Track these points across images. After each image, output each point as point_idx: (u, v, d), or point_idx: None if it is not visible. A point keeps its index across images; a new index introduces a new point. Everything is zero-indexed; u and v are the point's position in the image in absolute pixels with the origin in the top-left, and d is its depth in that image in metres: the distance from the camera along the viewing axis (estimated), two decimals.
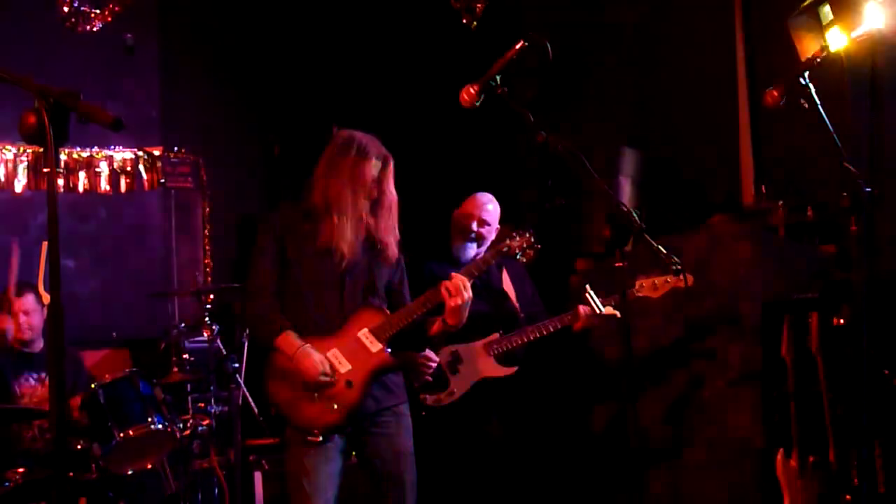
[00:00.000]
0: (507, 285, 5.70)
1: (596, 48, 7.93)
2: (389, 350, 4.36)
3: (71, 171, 7.89)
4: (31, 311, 5.91)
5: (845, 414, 5.15)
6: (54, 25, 7.37)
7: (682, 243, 5.89)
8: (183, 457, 5.99)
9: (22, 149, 7.65)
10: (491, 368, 5.36)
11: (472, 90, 3.79)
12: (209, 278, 8.02)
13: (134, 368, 5.73)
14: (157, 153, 8.21)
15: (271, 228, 4.43)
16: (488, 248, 4.75)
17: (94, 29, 7.35)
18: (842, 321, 5.20)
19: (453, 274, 4.36)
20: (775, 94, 3.90)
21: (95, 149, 7.98)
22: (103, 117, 2.61)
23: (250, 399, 6.13)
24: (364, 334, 4.33)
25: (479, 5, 7.62)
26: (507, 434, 5.41)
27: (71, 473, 5.31)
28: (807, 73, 3.85)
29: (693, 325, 6.02)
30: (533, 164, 7.74)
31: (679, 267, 3.52)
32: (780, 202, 6.51)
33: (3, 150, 7.61)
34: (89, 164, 7.98)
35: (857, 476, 5.12)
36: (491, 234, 5.53)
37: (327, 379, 4.23)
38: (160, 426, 5.51)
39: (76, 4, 7.24)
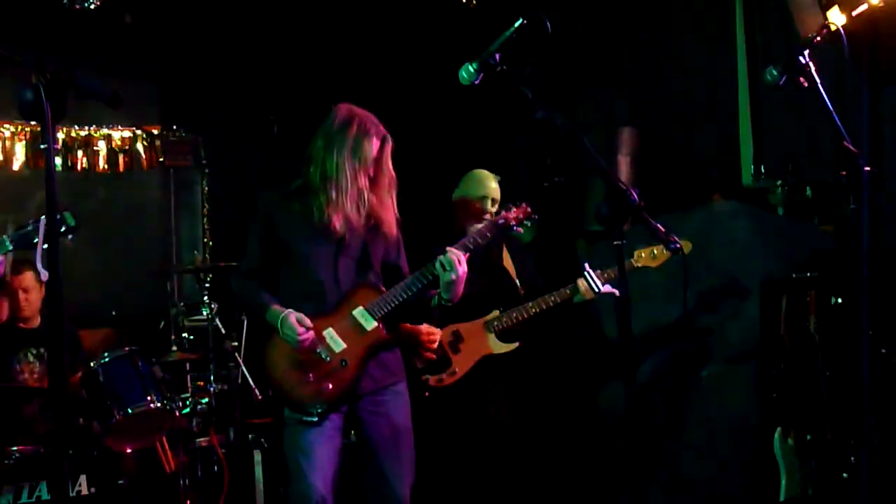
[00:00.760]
0: (508, 263, 5.70)
1: (594, 25, 7.90)
2: (385, 327, 4.35)
3: (69, 149, 7.88)
4: (29, 289, 5.93)
5: (843, 392, 5.16)
6: (53, 1, 7.34)
7: (680, 222, 5.90)
8: (182, 435, 6.00)
9: (20, 126, 7.64)
10: (492, 346, 5.36)
11: (470, 68, 3.77)
12: (208, 257, 8.02)
13: (133, 347, 5.72)
14: (155, 132, 8.20)
15: (259, 212, 4.44)
16: (485, 222, 4.73)
17: (93, 7, 7.32)
18: (840, 300, 5.21)
19: (448, 248, 4.35)
20: (775, 72, 3.89)
21: (93, 127, 7.97)
22: (101, 93, 2.61)
23: (249, 378, 6.14)
24: (359, 312, 4.33)
25: None
26: (511, 411, 5.42)
27: (71, 451, 5.31)
28: (807, 52, 3.84)
29: (692, 303, 6.03)
30: (531, 143, 7.73)
31: (678, 246, 3.51)
32: (779, 181, 6.50)
33: (1, 128, 7.59)
34: (87, 143, 7.97)
35: (854, 454, 5.14)
36: None
37: (309, 335, 4.21)
38: (159, 404, 5.52)
39: None
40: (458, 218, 5.61)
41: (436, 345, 5.04)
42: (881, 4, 5.24)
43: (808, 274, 5.56)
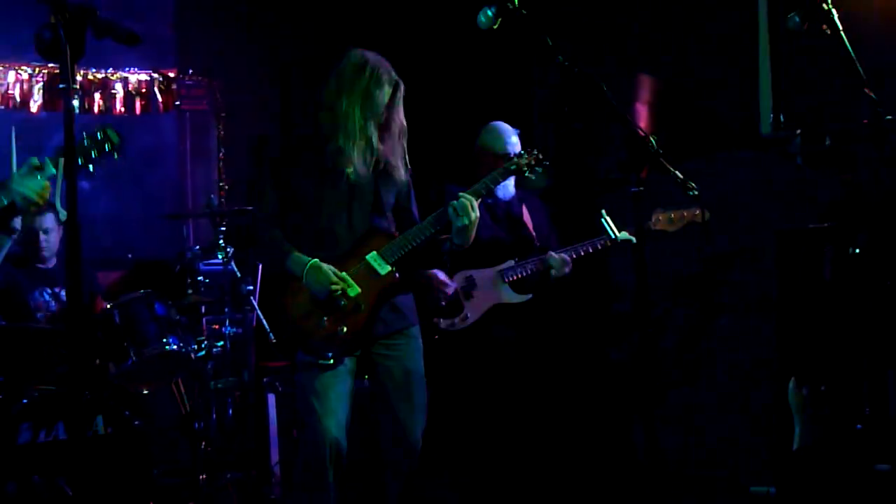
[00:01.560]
0: (526, 218, 5.68)
1: None
2: (398, 272, 4.36)
3: (86, 92, 7.86)
4: (50, 230, 5.95)
5: (858, 342, 5.15)
6: None
7: (699, 171, 5.87)
8: (198, 377, 6.03)
9: (37, 69, 7.63)
10: (505, 295, 5.36)
11: (489, 12, 3.75)
12: (224, 201, 8.02)
13: (149, 290, 5.74)
14: (171, 75, 8.18)
15: (270, 160, 4.44)
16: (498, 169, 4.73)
17: None
18: (857, 250, 5.19)
19: (460, 194, 4.34)
20: (797, 19, 3.85)
21: (111, 70, 7.95)
22: (119, 31, 2.60)
23: (264, 321, 6.15)
24: (373, 257, 4.33)
25: None
26: (522, 359, 5.43)
27: (87, 392, 5.34)
28: None
29: (709, 253, 6.02)
30: (549, 90, 7.68)
31: (696, 191, 3.50)
32: (799, 130, 6.46)
33: (19, 70, 7.58)
34: (104, 86, 7.95)
35: (868, 404, 5.14)
36: None
37: (339, 287, 4.24)
38: (175, 347, 5.55)
39: None
40: (477, 169, 5.59)
41: (448, 289, 5.04)
42: None
43: (826, 224, 5.54)
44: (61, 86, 2.63)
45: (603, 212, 5.15)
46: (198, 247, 6.46)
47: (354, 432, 4.36)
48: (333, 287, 4.21)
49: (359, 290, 4.29)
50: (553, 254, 5.27)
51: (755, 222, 5.89)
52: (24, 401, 4.94)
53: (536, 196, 5.80)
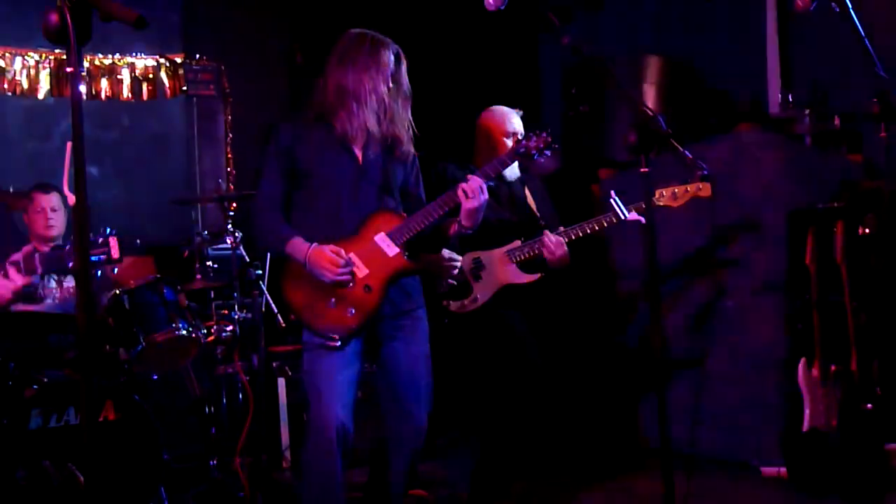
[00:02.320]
0: (529, 199, 5.67)
1: None
2: (407, 254, 4.35)
3: (93, 77, 7.86)
4: (57, 208, 6.00)
5: (868, 323, 5.15)
6: None
7: (706, 152, 5.86)
8: (207, 362, 6.04)
9: (44, 55, 7.63)
10: (513, 275, 5.35)
11: None
12: (232, 186, 8.02)
13: (157, 275, 5.75)
14: (178, 60, 8.17)
15: (278, 142, 4.40)
16: (506, 150, 4.71)
17: None
18: (867, 230, 5.18)
19: (469, 176, 4.33)
20: None
21: (117, 55, 7.95)
22: (126, 15, 2.59)
23: (273, 306, 6.15)
24: (381, 238, 4.32)
25: None
26: (533, 341, 5.42)
27: (97, 377, 5.35)
28: None
29: (717, 234, 6.01)
30: (556, 71, 7.67)
31: (706, 172, 3.48)
32: (807, 110, 6.44)
33: (26, 57, 7.58)
34: (111, 71, 7.95)
35: (878, 385, 5.14)
36: None
37: (345, 270, 4.22)
38: (185, 332, 5.55)
39: None
40: (481, 153, 5.58)
41: (457, 271, 5.03)
42: None
43: (835, 204, 5.53)
44: (69, 69, 2.62)
45: (612, 192, 5.13)
46: (206, 232, 6.46)
47: (360, 414, 4.37)
48: (339, 271, 4.21)
49: (367, 270, 4.29)
50: (549, 235, 5.24)
51: (764, 202, 5.87)
52: (35, 386, 4.95)
53: (538, 178, 5.79)
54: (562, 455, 6.33)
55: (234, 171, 8.22)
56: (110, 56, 7.90)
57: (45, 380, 5.02)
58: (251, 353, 6.02)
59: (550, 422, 5.66)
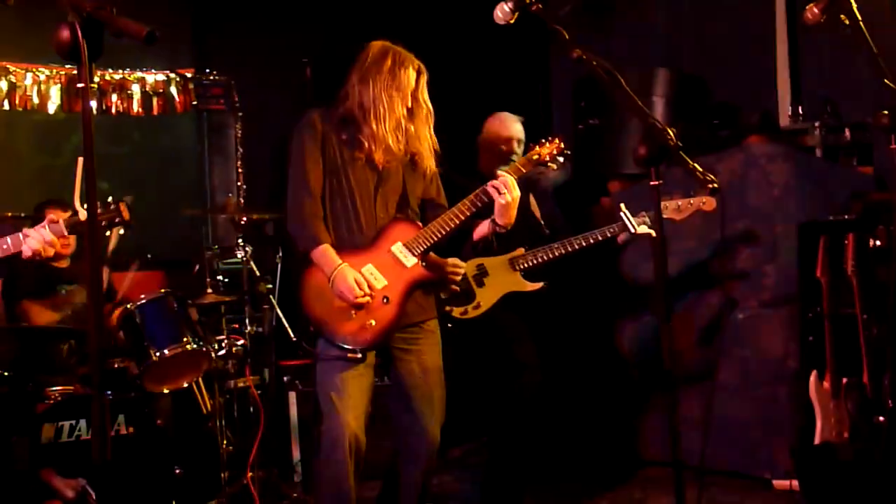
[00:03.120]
0: (534, 206, 5.68)
1: None
2: (424, 264, 4.34)
3: (104, 93, 7.87)
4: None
5: (880, 336, 5.13)
6: None
7: (717, 164, 5.86)
8: (218, 376, 6.04)
9: (55, 71, 7.65)
10: (516, 283, 5.35)
11: (506, 7, 3.74)
12: (242, 200, 8.03)
13: (168, 289, 5.76)
14: (189, 75, 8.19)
15: (314, 129, 4.35)
16: (521, 158, 4.72)
17: None
18: (878, 243, 5.16)
19: (499, 171, 4.33)
20: (815, 10, 3.82)
21: (127, 71, 7.96)
22: (137, 30, 2.60)
23: (284, 320, 6.16)
24: (398, 248, 4.31)
25: None
26: (535, 348, 5.41)
27: (109, 392, 5.36)
28: None
29: (727, 246, 6.00)
30: (566, 85, 7.68)
31: (716, 185, 3.47)
32: (817, 123, 6.44)
33: (37, 72, 7.60)
34: (122, 87, 7.96)
35: (890, 398, 5.12)
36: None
37: (365, 300, 4.20)
38: (195, 346, 5.56)
39: None
40: (482, 159, 5.59)
41: (460, 277, 5.02)
42: None
43: (846, 216, 5.52)
44: (80, 85, 2.63)
45: (622, 205, 5.12)
46: (217, 246, 6.47)
47: (373, 428, 4.36)
48: (360, 294, 4.18)
49: (385, 281, 4.28)
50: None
51: (774, 214, 5.87)
52: (47, 400, 4.96)
53: (545, 187, 5.79)
54: (566, 465, 6.34)
55: (244, 186, 8.23)
56: (121, 71, 7.92)
57: (57, 394, 5.04)
58: (262, 367, 6.03)
59: (552, 430, 5.65)
